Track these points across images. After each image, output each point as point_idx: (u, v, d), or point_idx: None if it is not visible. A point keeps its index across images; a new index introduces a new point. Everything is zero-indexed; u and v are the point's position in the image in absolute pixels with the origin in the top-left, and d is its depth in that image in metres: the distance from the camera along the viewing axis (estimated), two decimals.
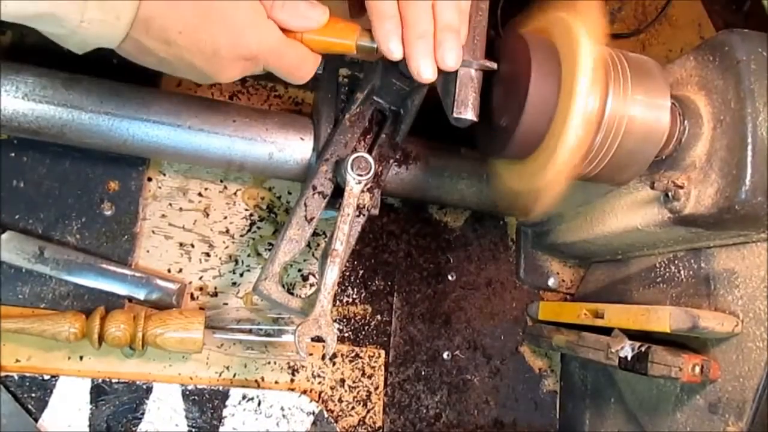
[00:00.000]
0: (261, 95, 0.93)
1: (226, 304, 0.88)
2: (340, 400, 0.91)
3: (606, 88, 0.66)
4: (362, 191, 0.75)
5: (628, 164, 0.70)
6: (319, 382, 0.90)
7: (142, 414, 0.81)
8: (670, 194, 0.70)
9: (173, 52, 0.55)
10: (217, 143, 0.79)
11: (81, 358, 0.81)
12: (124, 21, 0.51)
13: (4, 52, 0.82)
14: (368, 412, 0.92)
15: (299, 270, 0.92)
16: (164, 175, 0.88)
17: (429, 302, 0.97)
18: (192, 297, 0.87)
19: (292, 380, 0.89)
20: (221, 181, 0.90)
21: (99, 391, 0.80)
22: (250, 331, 0.85)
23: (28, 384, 0.78)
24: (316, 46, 0.62)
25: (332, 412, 0.90)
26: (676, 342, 0.76)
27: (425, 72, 0.61)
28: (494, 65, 0.67)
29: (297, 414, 0.86)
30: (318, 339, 0.70)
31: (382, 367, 0.93)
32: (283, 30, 0.60)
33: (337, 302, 0.93)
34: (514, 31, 0.70)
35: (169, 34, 0.54)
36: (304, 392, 0.88)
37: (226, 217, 0.90)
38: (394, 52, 0.61)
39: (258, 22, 0.58)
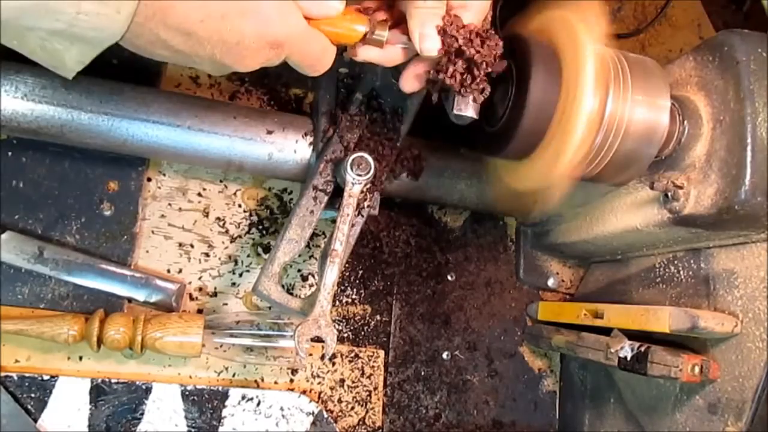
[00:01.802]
0: (261, 95, 0.93)
1: (226, 304, 0.88)
2: (340, 401, 0.91)
3: (606, 88, 0.66)
4: (362, 191, 0.75)
5: (628, 164, 0.70)
6: (319, 383, 0.90)
7: (142, 414, 0.81)
8: (669, 194, 0.70)
9: (191, 43, 0.52)
10: (217, 143, 0.79)
11: (80, 358, 0.81)
12: (124, 14, 0.48)
13: (4, 52, 0.81)
14: (368, 412, 0.92)
15: (299, 270, 0.92)
16: (164, 175, 0.88)
17: (428, 302, 0.97)
18: (191, 297, 0.87)
19: (291, 380, 0.89)
20: (221, 181, 0.90)
21: (98, 392, 0.80)
22: (249, 335, 0.84)
23: (27, 384, 0.78)
24: (327, 34, 0.61)
25: (332, 412, 0.90)
26: (676, 342, 0.76)
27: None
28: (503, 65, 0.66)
29: (296, 414, 0.86)
30: (318, 339, 0.70)
31: (382, 368, 0.93)
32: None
33: (337, 302, 0.93)
34: (514, 31, 0.70)
35: (190, 24, 0.51)
36: (304, 392, 0.88)
37: (225, 218, 0.89)
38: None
39: (285, 7, 0.56)
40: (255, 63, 0.57)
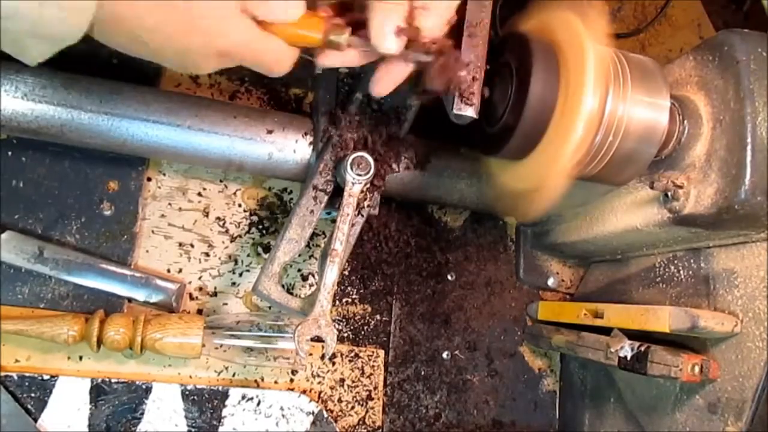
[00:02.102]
0: (261, 95, 0.93)
1: (226, 304, 0.88)
2: (340, 400, 0.91)
3: (606, 88, 0.66)
4: (362, 191, 0.76)
5: (628, 164, 0.70)
6: (319, 382, 0.90)
7: (142, 414, 0.81)
8: (669, 194, 0.70)
9: (145, 49, 0.55)
10: (217, 143, 0.79)
11: (80, 358, 0.81)
12: (83, 19, 0.50)
13: (4, 52, 0.82)
14: (368, 412, 0.92)
15: (299, 270, 0.92)
16: (164, 175, 0.88)
17: (428, 302, 0.97)
18: (191, 297, 0.87)
19: (291, 380, 0.89)
20: (221, 181, 0.90)
21: (98, 391, 0.80)
22: (250, 336, 0.84)
23: (27, 384, 0.78)
24: (285, 38, 0.60)
25: (332, 411, 0.90)
26: (676, 342, 0.76)
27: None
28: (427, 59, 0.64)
29: (296, 414, 0.86)
30: (318, 339, 0.70)
31: (382, 367, 0.93)
32: (257, 21, 0.58)
33: (337, 302, 0.93)
34: (514, 30, 0.70)
35: (138, 32, 0.53)
36: (304, 392, 0.88)
37: (225, 217, 0.89)
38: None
39: (230, 17, 0.56)
40: (209, 68, 0.59)
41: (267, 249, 0.90)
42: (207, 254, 0.88)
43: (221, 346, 0.83)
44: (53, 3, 0.48)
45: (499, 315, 1.00)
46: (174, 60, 0.57)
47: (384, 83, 0.65)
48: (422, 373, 0.95)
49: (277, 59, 0.60)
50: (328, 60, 0.62)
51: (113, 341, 0.76)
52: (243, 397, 0.85)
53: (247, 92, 0.92)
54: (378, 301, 0.95)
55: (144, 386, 0.81)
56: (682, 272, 0.80)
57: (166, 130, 0.77)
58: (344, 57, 0.62)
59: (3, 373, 0.77)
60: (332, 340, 0.71)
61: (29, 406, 0.78)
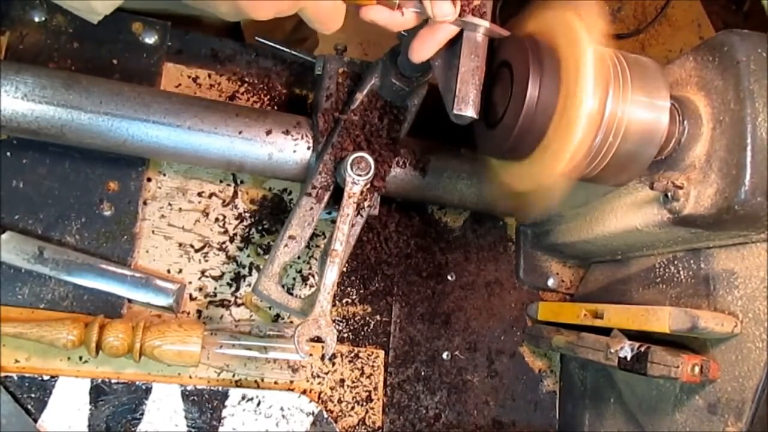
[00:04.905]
0: (261, 95, 0.93)
1: (226, 304, 0.88)
2: (340, 401, 0.91)
3: (606, 88, 0.66)
4: (362, 191, 0.75)
5: (628, 165, 0.70)
6: (319, 383, 0.90)
7: (142, 414, 0.81)
8: (669, 195, 0.70)
9: None
10: (217, 143, 0.79)
11: (80, 358, 0.81)
12: None
13: (4, 52, 0.82)
14: (368, 412, 0.92)
15: (299, 270, 0.92)
16: (164, 175, 0.88)
17: (428, 302, 0.97)
18: (191, 297, 0.87)
19: (291, 380, 0.89)
20: (221, 182, 0.90)
21: (98, 392, 0.80)
22: (249, 344, 0.84)
23: (27, 384, 0.78)
24: None
25: (332, 412, 0.90)
26: (676, 342, 0.76)
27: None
28: (506, 32, 0.66)
29: (296, 414, 0.86)
30: (317, 339, 0.70)
31: (382, 368, 0.93)
32: None
33: (337, 302, 0.93)
34: (514, 31, 0.70)
35: None
36: (304, 392, 0.88)
37: (225, 218, 0.89)
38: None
39: None
40: (270, 12, 0.58)
41: (267, 249, 0.90)
42: (207, 255, 0.88)
43: (221, 346, 0.83)
44: None
45: (499, 315, 1.00)
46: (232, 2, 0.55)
47: (427, 46, 0.64)
48: (422, 373, 0.95)
49: (333, 13, 0.60)
50: (374, 13, 0.62)
51: (112, 347, 0.76)
52: (243, 398, 0.85)
53: (247, 92, 0.92)
54: (378, 301, 0.95)
55: (144, 386, 0.81)
56: (682, 273, 0.80)
57: (166, 130, 0.77)
58: (393, 16, 0.62)
59: (3, 374, 0.77)
60: (332, 340, 0.71)
61: (29, 407, 0.77)
